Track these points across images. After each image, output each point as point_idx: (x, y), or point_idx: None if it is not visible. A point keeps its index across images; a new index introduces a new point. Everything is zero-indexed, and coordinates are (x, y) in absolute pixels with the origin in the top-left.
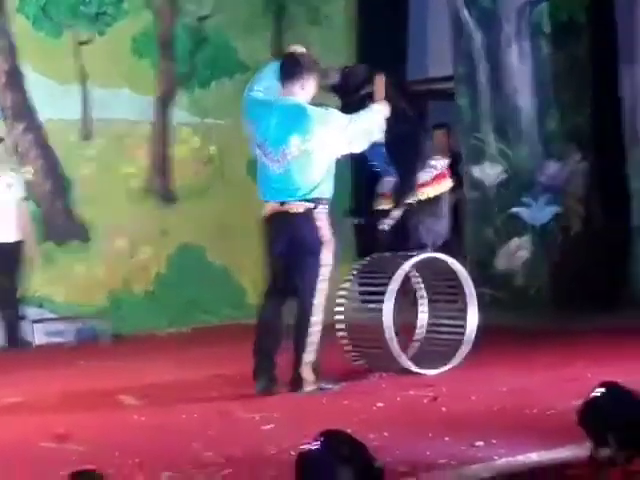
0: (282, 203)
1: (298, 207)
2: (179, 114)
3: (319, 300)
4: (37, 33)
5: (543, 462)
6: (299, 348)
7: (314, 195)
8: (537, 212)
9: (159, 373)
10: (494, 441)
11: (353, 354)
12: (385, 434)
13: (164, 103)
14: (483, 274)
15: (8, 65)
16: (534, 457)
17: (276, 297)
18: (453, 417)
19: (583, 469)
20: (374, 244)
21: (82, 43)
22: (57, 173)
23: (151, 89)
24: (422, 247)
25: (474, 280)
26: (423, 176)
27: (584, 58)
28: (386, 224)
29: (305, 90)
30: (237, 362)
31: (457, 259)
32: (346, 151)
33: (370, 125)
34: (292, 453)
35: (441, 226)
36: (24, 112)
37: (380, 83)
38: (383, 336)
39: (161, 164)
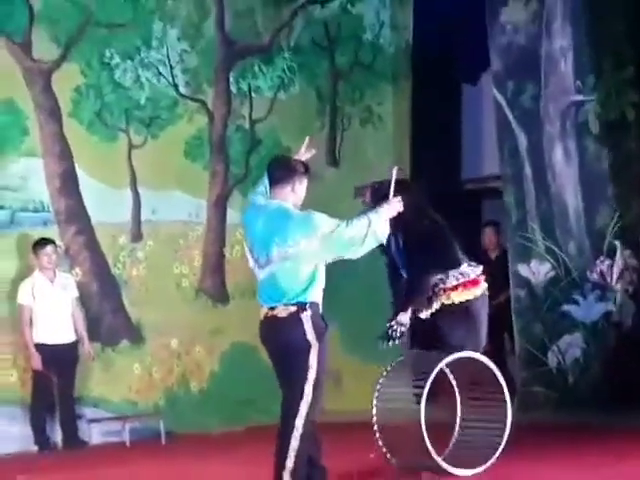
0: (271, 308)
1: (283, 312)
2: (234, 215)
3: (305, 404)
4: (91, 137)
5: None
6: (282, 453)
7: (299, 299)
8: (587, 309)
9: (213, 473)
10: None
11: (388, 455)
12: None
13: (218, 204)
14: (534, 372)
15: (62, 169)
16: None
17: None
18: None
19: None
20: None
21: (135, 147)
22: (106, 274)
23: (203, 191)
24: (460, 348)
25: (525, 378)
26: (450, 280)
27: (633, 154)
28: (398, 331)
29: (296, 193)
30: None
31: (508, 358)
32: (336, 257)
33: (367, 230)
34: None
35: (478, 331)
36: (76, 215)
37: (395, 176)
38: (418, 436)
39: (214, 264)
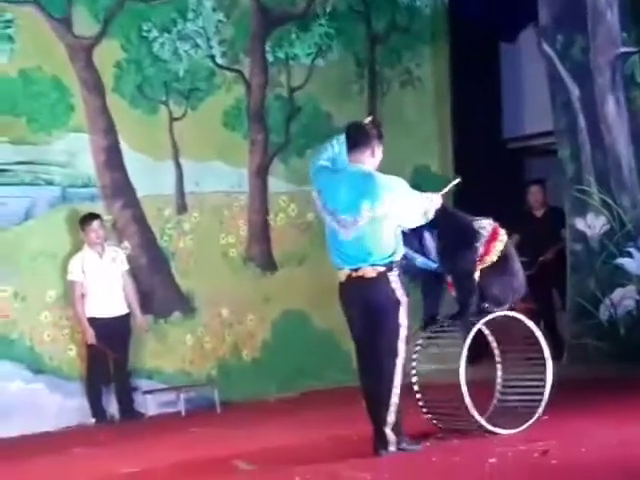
0: (356, 269)
1: (372, 272)
2: (276, 183)
3: (400, 360)
4: (133, 111)
5: None
6: (382, 409)
7: (386, 260)
8: None
9: (270, 438)
10: None
11: (429, 415)
12: None
13: (259, 173)
14: (586, 325)
15: (107, 143)
16: None
17: (364, 361)
18: (565, 469)
19: None
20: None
21: (175, 119)
22: (155, 247)
23: (244, 161)
24: (498, 305)
25: (576, 331)
26: (477, 246)
27: None
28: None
29: (375, 157)
30: (346, 424)
31: (558, 314)
32: (406, 222)
33: (427, 205)
34: None
35: (515, 282)
36: (122, 189)
37: (453, 183)
38: (458, 396)
39: (260, 233)
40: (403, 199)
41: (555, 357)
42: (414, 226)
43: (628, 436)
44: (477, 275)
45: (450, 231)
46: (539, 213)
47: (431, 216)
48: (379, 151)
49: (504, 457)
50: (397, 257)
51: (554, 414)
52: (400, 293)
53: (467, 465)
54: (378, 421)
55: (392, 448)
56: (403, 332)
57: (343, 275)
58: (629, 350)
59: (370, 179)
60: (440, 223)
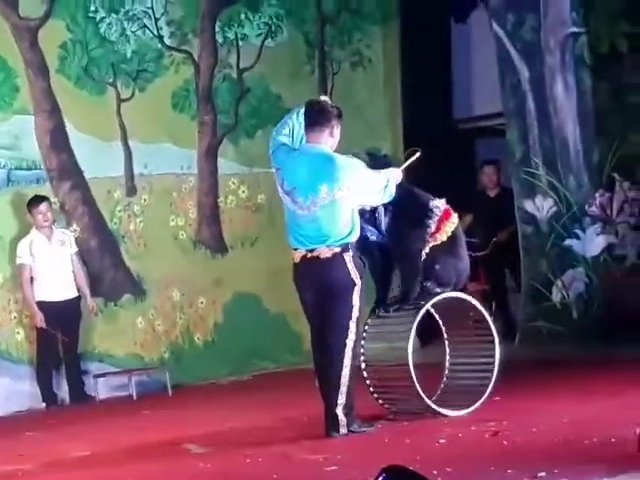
0: (311, 250)
1: (327, 253)
2: (226, 165)
3: (350, 341)
4: (80, 92)
5: None
6: (332, 390)
7: (342, 240)
8: (589, 243)
9: (222, 420)
10: (557, 471)
11: (377, 397)
12: (448, 469)
13: (208, 155)
14: (539, 307)
15: (53, 125)
16: None
17: (318, 341)
18: (515, 450)
19: None
20: None
21: (123, 100)
22: (104, 230)
23: (193, 142)
24: (440, 285)
25: (529, 314)
26: (429, 229)
27: (628, 85)
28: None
29: (333, 137)
30: (298, 406)
31: (509, 295)
32: (364, 203)
33: (388, 183)
34: None
35: (460, 265)
36: (69, 171)
37: (414, 157)
38: (406, 378)
39: (210, 215)
40: (362, 181)
41: (507, 338)
42: (375, 205)
43: (579, 416)
44: (424, 252)
45: (404, 206)
46: (493, 193)
47: (393, 192)
48: (338, 131)
49: (455, 438)
50: (353, 238)
51: (505, 395)
52: (355, 274)
53: (418, 446)
54: (329, 402)
55: (343, 430)
56: (355, 313)
57: (298, 256)
58: (581, 332)
59: (329, 161)
60: (397, 197)
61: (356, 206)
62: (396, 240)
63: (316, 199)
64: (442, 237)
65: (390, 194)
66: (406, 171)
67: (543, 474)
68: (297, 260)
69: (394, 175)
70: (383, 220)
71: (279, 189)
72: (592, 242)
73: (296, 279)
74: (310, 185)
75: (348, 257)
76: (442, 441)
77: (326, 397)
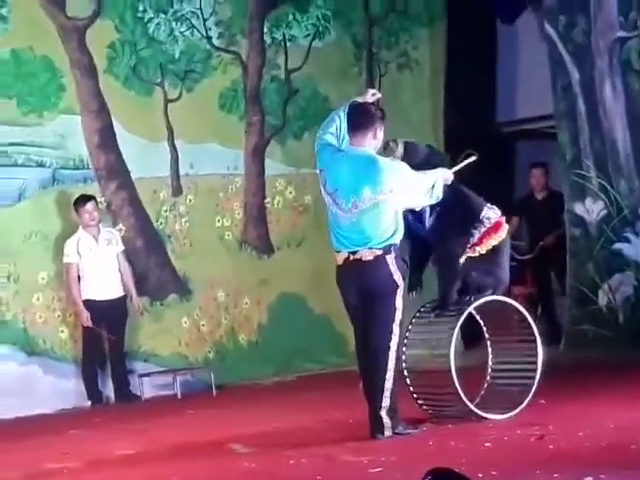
0: (354, 252)
1: (369, 255)
2: (273, 165)
3: (394, 344)
4: (127, 92)
5: None
6: (377, 392)
7: (385, 243)
8: (639, 247)
9: (266, 421)
10: (603, 476)
11: (420, 401)
12: (493, 473)
13: (255, 156)
14: (585, 311)
15: (100, 125)
16: None
17: (362, 344)
18: (561, 454)
19: None
20: None
21: (171, 101)
22: (150, 229)
23: (240, 143)
24: (478, 292)
25: (575, 317)
26: (472, 238)
27: None
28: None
29: (377, 139)
30: (342, 408)
31: (555, 298)
32: (409, 205)
33: (435, 184)
34: None
35: (501, 272)
36: (116, 171)
37: (468, 161)
38: (449, 383)
39: (257, 215)
40: (405, 184)
41: (552, 342)
42: (420, 207)
43: (625, 421)
44: (462, 260)
45: (452, 208)
46: (540, 196)
47: (440, 194)
48: (381, 133)
49: (500, 441)
50: (396, 240)
51: (551, 399)
52: (397, 276)
53: (463, 449)
54: (373, 405)
55: (388, 432)
56: (398, 315)
57: (341, 258)
58: (627, 336)
59: (373, 164)
60: (446, 199)
61: (400, 208)
62: (438, 241)
63: (358, 202)
64: (482, 250)
65: (437, 196)
66: (458, 172)
67: (589, 479)
68: (340, 262)
69: (444, 176)
70: (427, 219)
71: (322, 190)
72: None
73: (339, 281)
74: (352, 187)
75: (390, 259)
76: (487, 444)
77: (370, 399)
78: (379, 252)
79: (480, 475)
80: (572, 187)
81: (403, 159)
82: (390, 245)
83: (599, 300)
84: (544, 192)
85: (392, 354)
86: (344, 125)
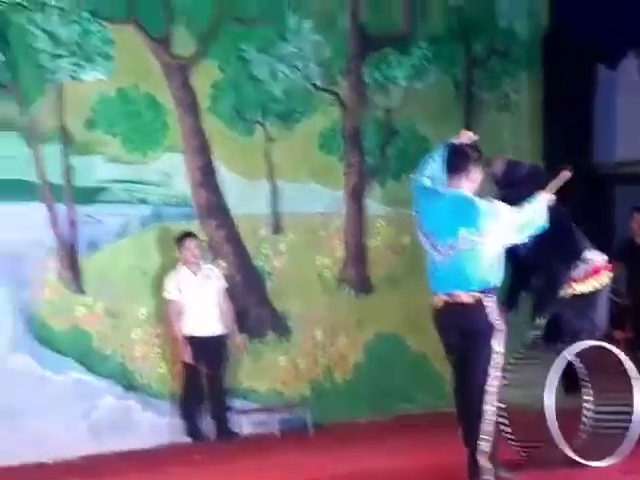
0: (451, 295)
1: (467, 298)
2: (373, 206)
3: (492, 387)
4: (229, 131)
5: None
6: (475, 436)
7: (483, 286)
8: None
9: (362, 461)
10: None
11: (514, 443)
12: None
13: (355, 195)
14: None
15: (202, 163)
16: None
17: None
18: None
19: None
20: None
21: (271, 140)
22: (249, 266)
23: (339, 183)
24: (574, 336)
25: None
26: (575, 272)
27: None
28: (532, 335)
29: (472, 181)
30: (439, 450)
31: None
32: (511, 242)
33: (533, 216)
34: None
35: (598, 317)
36: (217, 209)
37: (564, 177)
38: (546, 426)
39: (356, 255)
40: (504, 225)
41: None
42: (521, 241)
43: None
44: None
45: (558, 236)
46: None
47: (546, 220)
48: (478, 174)
49: None
50: (495, 282)
51: None
52: (494, 317)
53: None
54: (471, 449)
55: (487, 477)
56: (495, 358)
57: (439, 301)
58: None
59: (470, 206)
60: (552, 223)
61: (500, 249)
62: (540, 263)
63: (455, 244)
64: (582, 288)
65: (542, 224)
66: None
67: None
68: (437, 305)
69: (544, 201)
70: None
71: (418, 232)
72: None
73: (436, 324)
74: (449, 229)
75: (489, 301)
76: None
77: (468, 444)
78: (478, 295)
79: None
80: None
81: (504, 175)
82: (489, 287)
83: None
84: None
85: (489, 397)
86: (439, 166)
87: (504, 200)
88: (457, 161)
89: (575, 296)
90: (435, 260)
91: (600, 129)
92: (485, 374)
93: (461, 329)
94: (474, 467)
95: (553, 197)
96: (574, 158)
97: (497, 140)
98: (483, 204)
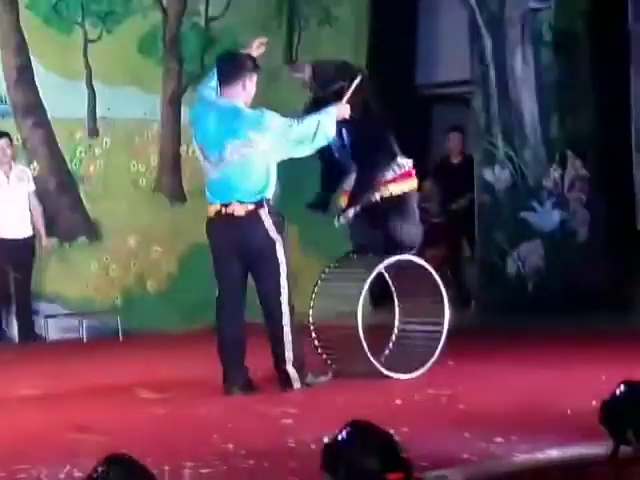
0: (224, 205)
1: (240, 210)
2: (189, 113)
3: (285, 297)
4: (47, 30)
5: (563, 459)
6: (279, 347)
7: (255, 198)
8: (544, 217)
9: (174, 368)
10: (514, 438)
11: (324, 356)
12: (405, 429)
13: (172, 102)
14: (493, 277)
15: (19, 61)
16: (554, 454)
17: (231, 303)
18: (471, 414)
19: (603, 467)
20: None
21: (91, 41)
22: (63, 170)
23: (158, 88)
24: (396, 249)
25: (484, 283)
26: (387, 174)
27: (582, 64)
28: (341, 221)
29: (246, 90)
30: (251, 360)
31: (465, 263)
32: (287, 156)
33: (314, 129)
34: (312, 446)
35: (414, 230)
36: (33, 108)
37: (355, 84)
38: (353, 337)
39: (171, 163)
40: (275, 137)
41: (462, 306)
42: (308, 154)
43: (535, 385)
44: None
45: (375, 138)
46: (456, 160)
47: (330, 133)
48: (252, 85)
49: (411, 400)
50: (268, 194)
51: (460, 361)
52: (273, 232)
53: (374, 405)
54: (278, 359)
55: (296, 384)
56: (284, 269)
57: (212, 210)
58: (534, 304)
59: (237, 116)
60: (368, 125)
61: (273, 161)
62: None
63: (224, 155)
64: (394, 189)
65: (326, 136)
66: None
67: (500, 440)
68: (211, 214)
69: (336, 113)
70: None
71: (194, 142)
72: (548, 216)
73: (211, 236)
74: (217, 140)
75: (264, 214)
76: (398, 402)
77: (274, 354)
78: (251, 207)
79: (391, 431)
80: (483, 153)
81: (313, 78)
82: (262, 200)
83: (508, 268)
84: (460, 156)
85: (284, 308)
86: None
87: (314, 103)
88: (229, 70)
89: (387, 200)
90: (207, 171)
91: (422, 49)
92: (276, 287)
93: (240, 243)
94: (283, 376)
95: (347, 107)
96: (397, 77)
97: (319, 55)
98: (251, 114)
